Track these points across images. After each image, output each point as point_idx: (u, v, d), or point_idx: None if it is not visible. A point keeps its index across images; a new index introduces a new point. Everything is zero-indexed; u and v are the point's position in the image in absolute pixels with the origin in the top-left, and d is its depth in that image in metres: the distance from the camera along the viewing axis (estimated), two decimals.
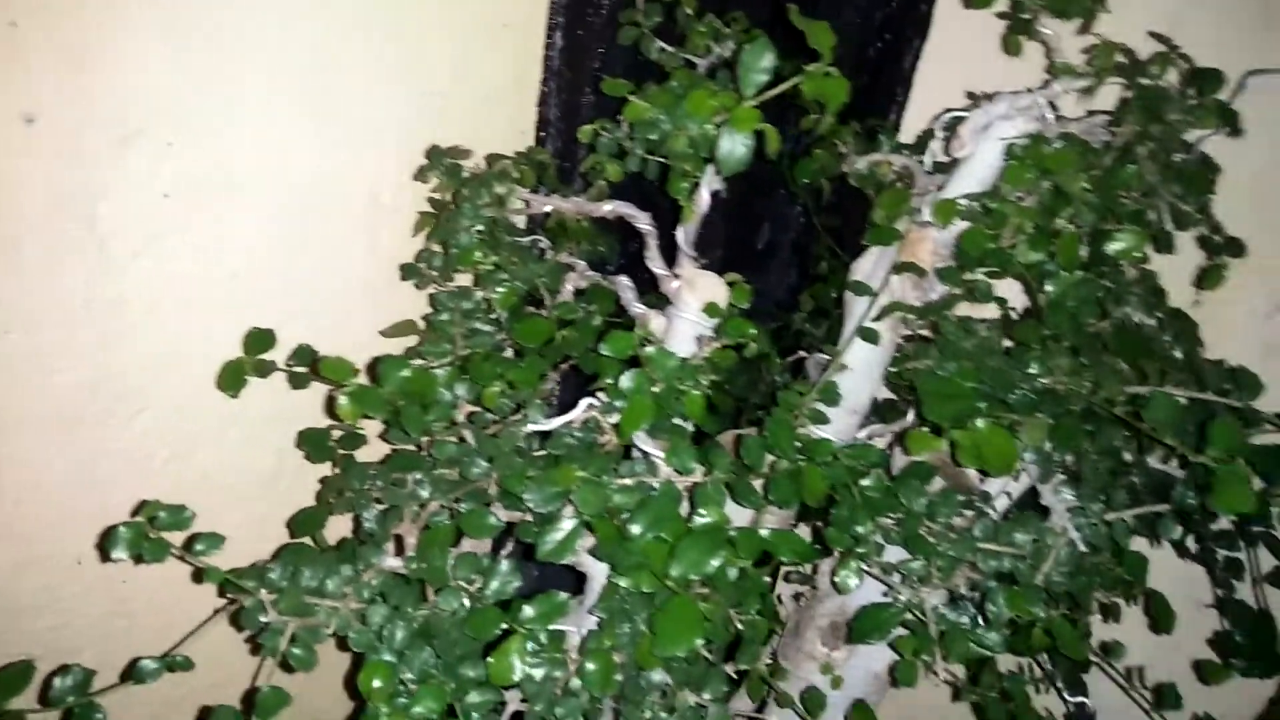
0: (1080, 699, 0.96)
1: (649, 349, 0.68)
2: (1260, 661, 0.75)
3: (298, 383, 0.85)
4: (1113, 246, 0.72)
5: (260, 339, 0.87)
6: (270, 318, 0.89)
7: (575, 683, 0.66)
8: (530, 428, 0.73)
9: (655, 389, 0.67)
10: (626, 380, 0.67)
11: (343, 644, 0.68)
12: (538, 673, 0.66)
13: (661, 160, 0.90)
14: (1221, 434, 0.56)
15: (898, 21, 1.24)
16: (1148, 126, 0.73)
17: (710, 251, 1.16)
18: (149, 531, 0.65)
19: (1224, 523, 0.83)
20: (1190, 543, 0.83)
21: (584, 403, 0.74)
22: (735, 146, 0.69)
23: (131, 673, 0.66)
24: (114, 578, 0.99)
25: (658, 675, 0.68)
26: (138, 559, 0.64)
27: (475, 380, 0.75)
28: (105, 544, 0.65)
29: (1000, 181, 0.76)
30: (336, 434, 0.89)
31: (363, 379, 0.77)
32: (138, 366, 0.95)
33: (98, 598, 1.00)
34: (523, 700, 0.67)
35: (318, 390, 0.90)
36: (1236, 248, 0.81)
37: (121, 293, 0.93)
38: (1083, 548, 0.68)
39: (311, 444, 0.89)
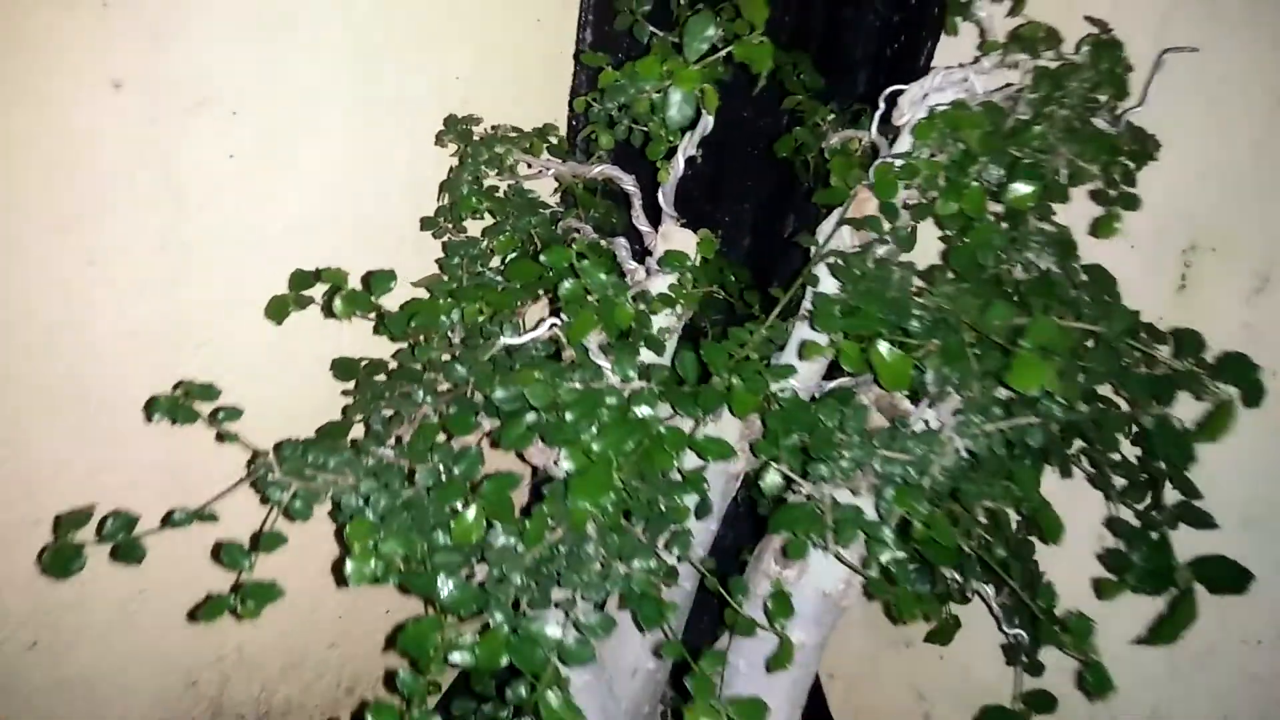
0: (1017, 631, 1.04)
1: (584, 262, 0.81)
2: (1152, 577, 0.83)
3: (328, 311, 1.01)
4: (1010, 194, 0.81)
5: (302, 278, 1.03)
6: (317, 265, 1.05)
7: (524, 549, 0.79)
8: (503, 341, 0.86)
9: (592, 299, 0.80)
10: (565, 286, 0.80)
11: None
12: (496, 537, 0.79)
13: (645, 130, 1.03)
14: (1040, 328, 0.66)
15: (914, 23, 1.34)
16: (1052, 94, 0.83)
17: (708, 219, 1.29)
18: (182, 400, 0.81)
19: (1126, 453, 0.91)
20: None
21: (547, 322, 0.87)
22: (681, 105, 0.82)
23: (169, 520, 0.81)
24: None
25: (592, 547, 0.80)
26: (173, 420, 0.80)
27: (461, 302, 0.89)
28: (149, 409, 0.81)
29: (913, 138, 0.86)
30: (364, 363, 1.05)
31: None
32: (202, 304, 1.12)
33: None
34: (480, 560, 0.80)
35: (363, 339, 1.06)
36: (1129, 200, 0.89)
37: (191, 238, 1.10)
38: (965, 455, 0.78)
39: (341, 368, 1.05)
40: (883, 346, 0.79)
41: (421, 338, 0.92)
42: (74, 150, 0.99)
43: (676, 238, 0.99)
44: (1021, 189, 0.81)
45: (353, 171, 1.16)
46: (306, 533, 1.22)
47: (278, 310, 1.01)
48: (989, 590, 1.05)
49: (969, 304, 0.78)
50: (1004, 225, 0.84)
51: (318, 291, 1.02)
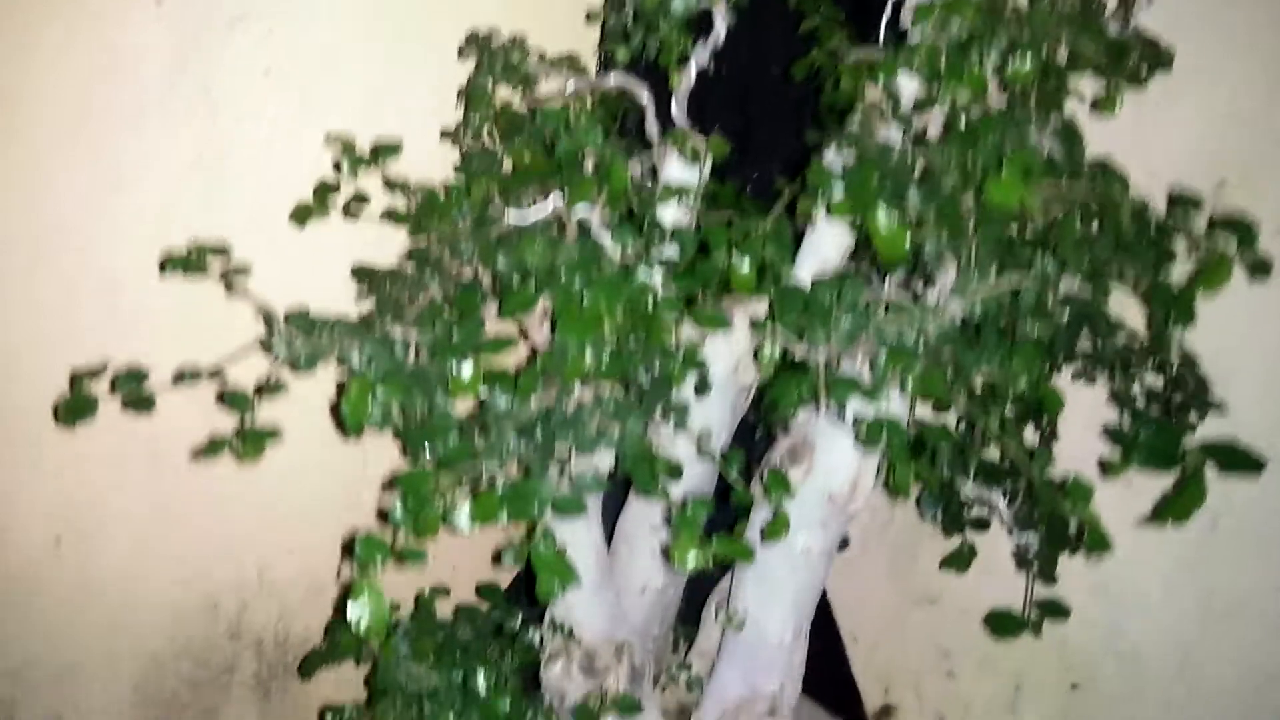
0: (1027, 538, 1.02)
1: (581, 121, 0.82)
2: (1159, 455, 0.81)
3: (346, 211, 1.04)
4: (1010, 72, 0.82)
5: (325, 188, 1.06)
6: None
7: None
8: (509, 219, 0.88)
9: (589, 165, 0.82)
10: (560, 145, 0.82)
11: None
12: (497, 398, 0.81)
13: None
14: (1020, 156, 0.66)
15: None
16: None
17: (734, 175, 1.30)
18: (194, 256, 0.84)
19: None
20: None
21: (552, 199, 0.88)
22: None
23: (181, 375, 0.84)
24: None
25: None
26: (186, 271, 0.83)
27: (470, 183, 0.91)
28: (164, 265, 0.84)
29: (912, 24, 0.87)
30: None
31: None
32: (235, 224, 1.15)
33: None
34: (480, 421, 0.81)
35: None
36: (1135, 75, 0.88)
37: (226, 151, 1.14)
38: (959, 321, 0.78)
39: (361, 273, 1.07)
40: (880, 215, 0.79)
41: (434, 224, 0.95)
42: (113, 63, 1.04)
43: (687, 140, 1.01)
44: (1020, 65, 0.81)
45: (384, 91, 1.19)
46: (330, 461, 1.25)
47: (301, 215, 1.04)
48: (1000, 501, 1.03)
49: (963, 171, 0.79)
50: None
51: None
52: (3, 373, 1.06)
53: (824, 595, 1.73)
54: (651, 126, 1.05)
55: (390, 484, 0.82)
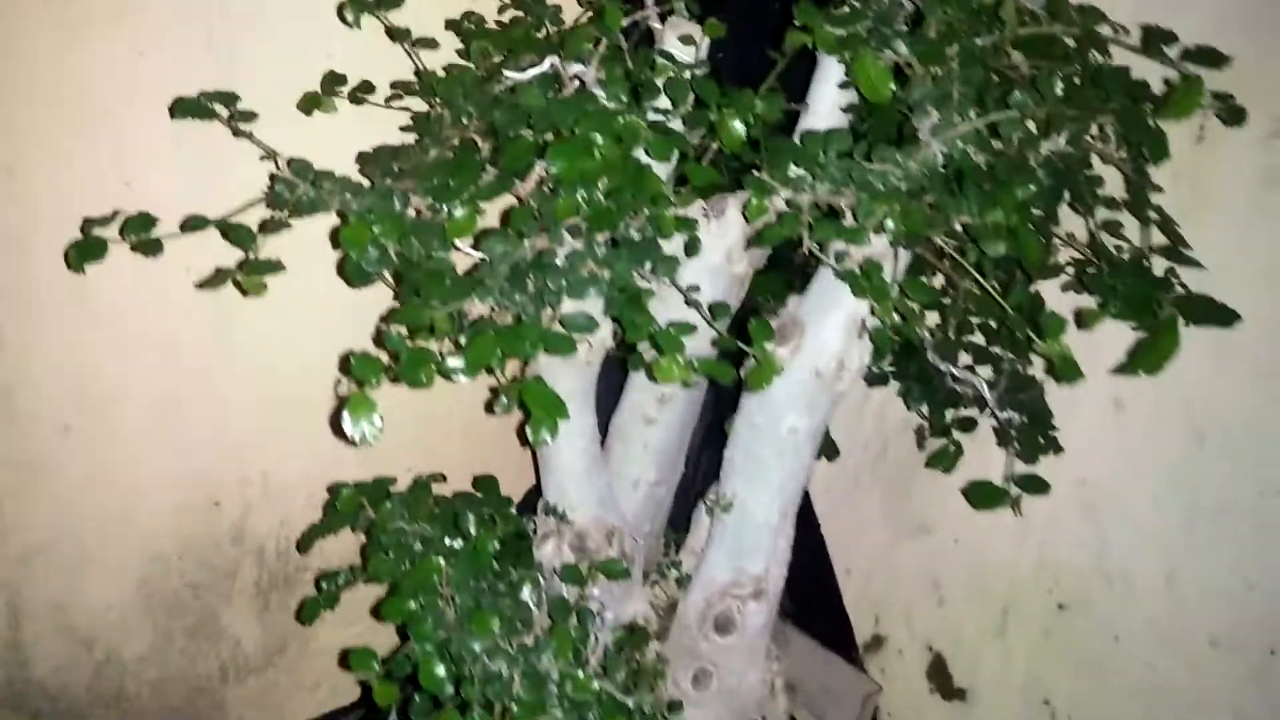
0: (1009, 415, 1.05)
1: None
2: (1134, 305, 0.84)
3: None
4: None
5: (333, 78, 1.10)
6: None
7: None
8: (507, 75, 0.92)
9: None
10: None
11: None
12: (496, 244, 0.84)
13: None
14: None
15: None
16: None
17: None
18: (205, 104, 0.87)
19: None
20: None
21: (548, 59, 0.92)
22: None
23: (190, 222, 0.87)
24: None
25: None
26: (198, 115, 0.87)
27: (470, 46, 0.95)
28: (173, 110, 0.88)
29: None
30: None
31: None
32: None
33: None
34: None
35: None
36: None
37: (237, 40, 1.15)
38: (941, 158, 0.81)
39: (365, 159, 1.11)
40: (867, 57, 0.82)
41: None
42: None
43: (684, 26, 1.04)
44: None
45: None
46: (331, 378, 1.28)
47: (309, 102, 1.08)
48: (982, 382, 1.06)
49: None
50: None
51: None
52: (15, 254, 1.08)
53: (817, 530, 1.76)
54: (652, 15, 1.08)
55: (387, 318, 0.84)
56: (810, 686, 1.59)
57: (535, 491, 1.56)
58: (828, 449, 1.49)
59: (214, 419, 1.30)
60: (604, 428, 1.26)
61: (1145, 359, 0.85)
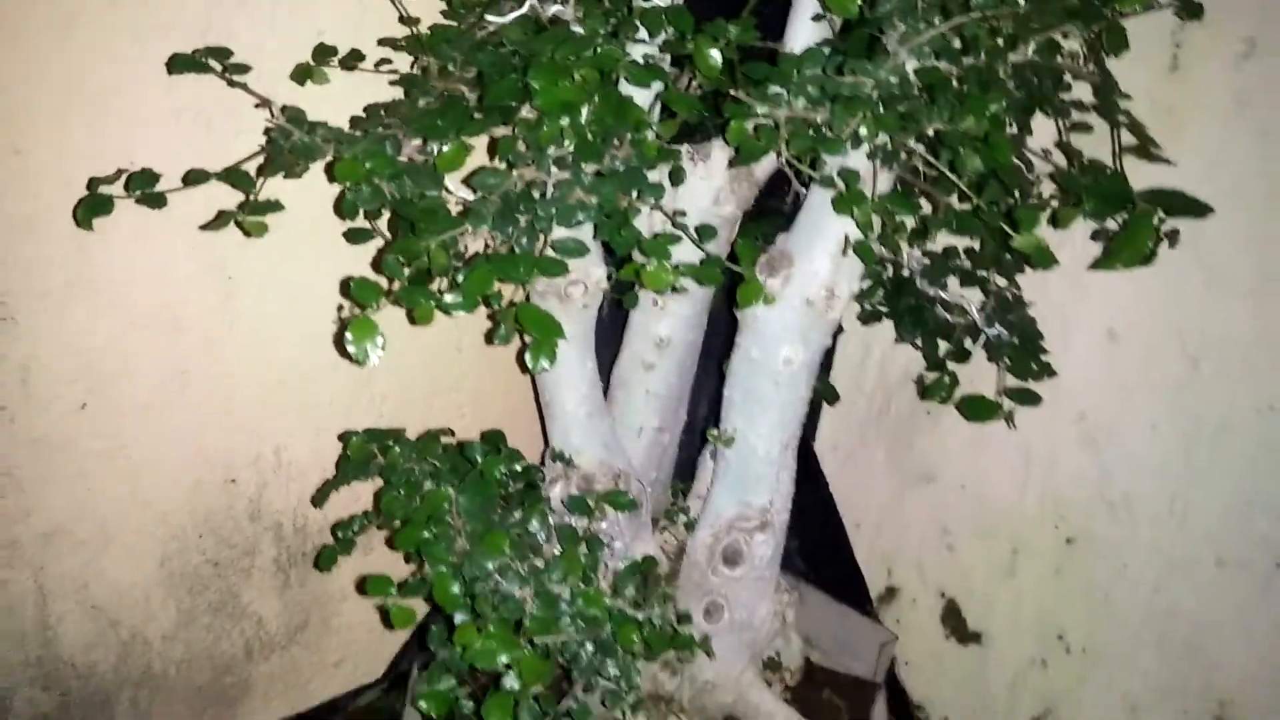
0: (998, 331, 1.07)
1: None
2: (1107, 201, 0.86)
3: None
4: None
5: (324, 49, 1.13)
6: None
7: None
8: (489, 21, 0.95)
9: None
10: None
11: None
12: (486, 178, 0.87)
13: None
14: None
15: None
16: None
17: None
18: (200, 59, 0.91)
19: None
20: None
21: (528, 2, 0.95)
22: None
23: (191, 175, 0.91)
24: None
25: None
26: (194, 69, 0.90)
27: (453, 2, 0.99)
28: (170, 65, 0.91)
29: None
30: None
31: None
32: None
33: None
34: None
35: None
36: None
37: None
38: (912, 68, 0.83)
39: (356, 120, 1.14)
40: None
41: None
42: None
43: None
44: None
45: None
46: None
47: (302, 74, 1.11)
48: (969, 302, 1.08)
49: None
50: None
51: None
52: (24, 234, 1.12)
53: (826, 487, 1.78)
54: None
55: (384, 249, 0.87)
56: (827, 641, 1.60)
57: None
58: (829, 393, 1.52)
59: (224, 395, 1.33)
60: (607, 383, 1.29)
61: (1122, 253, 0.87)
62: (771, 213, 1.32)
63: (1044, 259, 0.83)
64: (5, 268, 1.13)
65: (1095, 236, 1.05)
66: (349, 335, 0.76)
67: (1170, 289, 1.36)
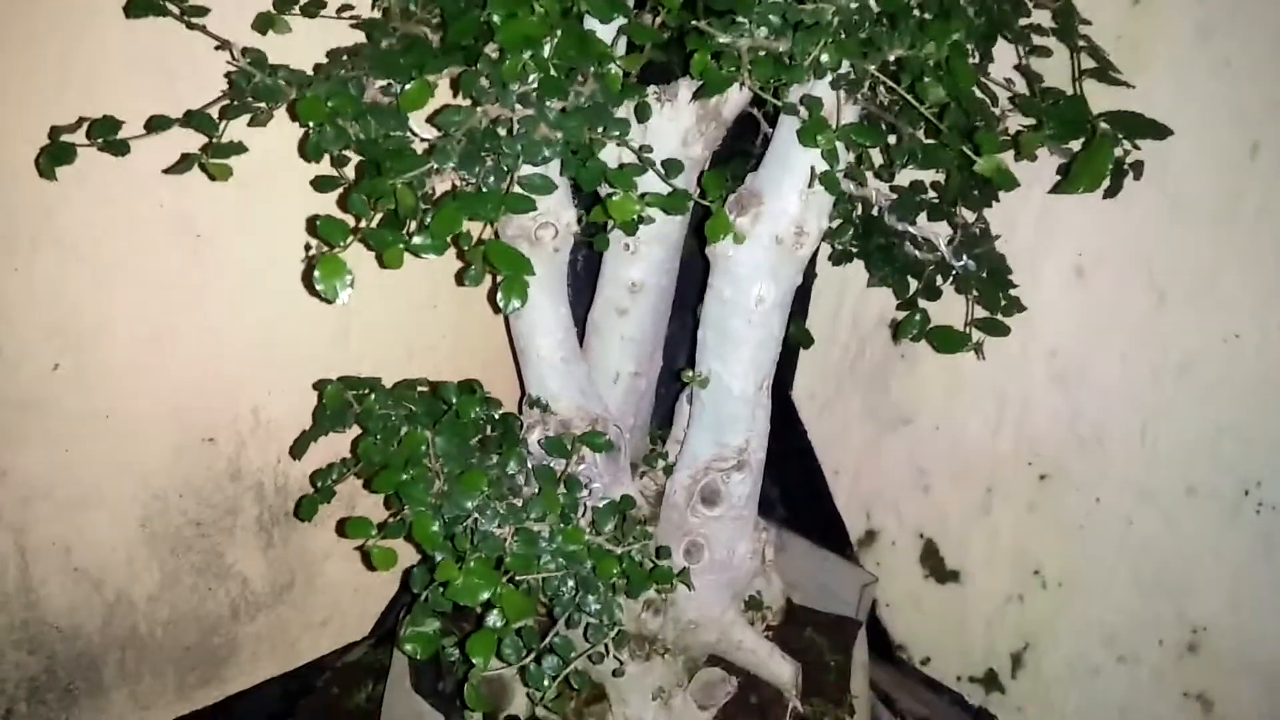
0: (965, 263, 1.08)
1: None
2: (1069, 126, 0.87)
3: None
4: None
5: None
6: None
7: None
8: None
9: None
10: None
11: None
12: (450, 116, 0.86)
13: None
14: None
15: None
16: None
17: None
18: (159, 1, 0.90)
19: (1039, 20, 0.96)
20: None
21: None
22: None
23: (154, 122, 0.90)
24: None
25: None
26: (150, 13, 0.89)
27: None
28: (128, 9, 0.90)
29: None
30: None
31: None
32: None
33: None
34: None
35: None
36: None
37: None
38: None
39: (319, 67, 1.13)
40: None
41: None
42: None
43: None
44: None
45: None
46: (314, 309, 1.30)
47: (264, 22, 1.09)
48: (937, 236, 1.09)
49: None
50: None
51: None
52: None
53: (804, 437, 1.80)
54: None
55: (351, 188, 0.87)
56: (809, 586, 1.62)
57: None
58: (804, 338, 1.53)
59: (200, 354, 1.32)
60: (582, 330, 1.30)
61: (1083, 175, 0.88)
62: (740, 154, 1.32)
63: (1005, 180, 0.84)
64: None
65: (1062, 171, 1.06)
66: (317, 274, 0.76)
67: (1135, 221, 1.37)
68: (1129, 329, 1.41)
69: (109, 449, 1.29)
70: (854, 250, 1.29)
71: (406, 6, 0.95)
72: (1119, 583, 1.46)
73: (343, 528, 0.91)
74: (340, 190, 0.97)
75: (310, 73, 1.03)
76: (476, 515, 0.87)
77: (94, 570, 1.32)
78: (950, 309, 1.20)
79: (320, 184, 0.96)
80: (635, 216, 0.82)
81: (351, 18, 1.10)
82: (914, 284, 1.25)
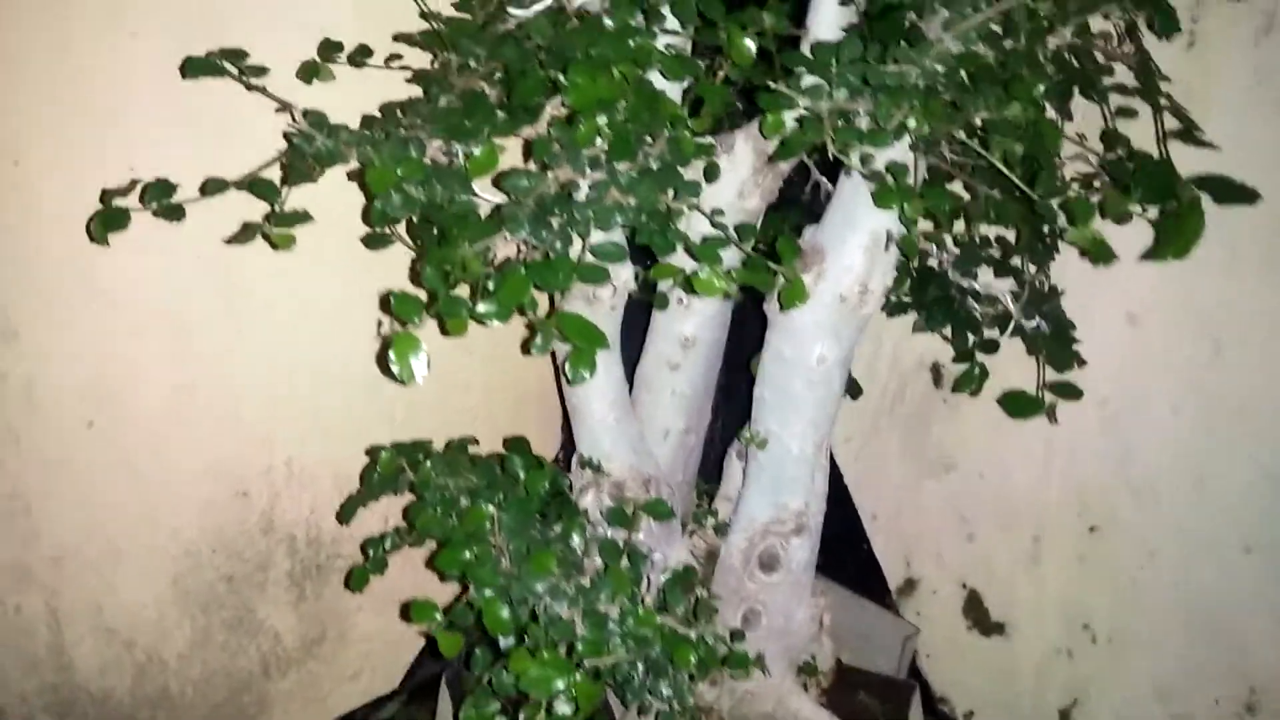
0: (1036, 323, 1.05)
1: None
2: (1156, 190, 0.84)
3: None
4: None
5: (329, 44, 1.09)
6: None
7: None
8: (511, 14, 0.91)
9: None
10: None
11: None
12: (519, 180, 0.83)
13: None
14: None
15: None
16: None
17: None
18: (215, 61, 0.87)
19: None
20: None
21: None
22: None
23: (209, 185, 0.87)
24: None
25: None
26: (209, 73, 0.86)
27: None
28: (184, 69, 0.87)
29: None
30: None
31: None
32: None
33: None
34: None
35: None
36: None
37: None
38: (955, 51, 0.81)
39: (369, 120, 1.09)
40: None
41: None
42: None
43: None
44: None
45: None
46: (349, 354, 1.27)
47: (309, 72, 1.07)
48: (1006, 294, 1.06)
49: None
50: None
51: None
52: (24, 245, 1.07)
53: (841, 478, 1.76)
54: None
55: (419, 259, 0.84)
56: (848, 635, 1.58)
57: (559, 460, 1.56)
58: (851, 387, 1.49)
59: (233, 405, 1.29)
60: (629, 382, 1.26)
61: (1173, 242, 0.85)
62: (792, 202, 1.29)
63: (1101, 253, 0.81)
64: (5, 280, 1.09)
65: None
66: (392, 354, 0.73)
67: (1190, 270, 1.33)
68: (1183, 378, 1.38)
69: (141, 505, 1.25)
70: (908, 301, 1.26)
71: (466, 62, 0.92)
72: (1173, 638, 1.42)
73: (408, 612, 0.87)
74: (387, 249, 0.94)
75: (357, 125, 1.01)
76: (547, 598, 0.83)
77: (125, 630, 1.28)
78: (1000, 357, 1.17)
79: (370, 242, 0.93)
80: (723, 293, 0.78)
81: (401, 68, 1.07)
82: (972, 337, 1.22)
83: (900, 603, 1.75)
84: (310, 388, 1.33)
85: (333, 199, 1.12)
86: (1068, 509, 1.52)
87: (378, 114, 1.02)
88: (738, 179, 1.09)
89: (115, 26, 1.05)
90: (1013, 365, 1.17)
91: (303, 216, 0.84)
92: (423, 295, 0.77)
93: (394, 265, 1.12)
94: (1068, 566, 1.53)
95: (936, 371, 1.65)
